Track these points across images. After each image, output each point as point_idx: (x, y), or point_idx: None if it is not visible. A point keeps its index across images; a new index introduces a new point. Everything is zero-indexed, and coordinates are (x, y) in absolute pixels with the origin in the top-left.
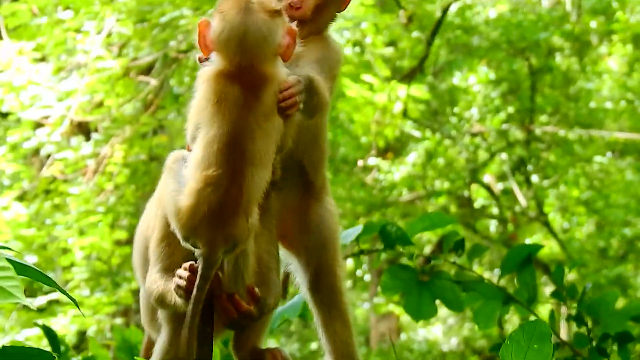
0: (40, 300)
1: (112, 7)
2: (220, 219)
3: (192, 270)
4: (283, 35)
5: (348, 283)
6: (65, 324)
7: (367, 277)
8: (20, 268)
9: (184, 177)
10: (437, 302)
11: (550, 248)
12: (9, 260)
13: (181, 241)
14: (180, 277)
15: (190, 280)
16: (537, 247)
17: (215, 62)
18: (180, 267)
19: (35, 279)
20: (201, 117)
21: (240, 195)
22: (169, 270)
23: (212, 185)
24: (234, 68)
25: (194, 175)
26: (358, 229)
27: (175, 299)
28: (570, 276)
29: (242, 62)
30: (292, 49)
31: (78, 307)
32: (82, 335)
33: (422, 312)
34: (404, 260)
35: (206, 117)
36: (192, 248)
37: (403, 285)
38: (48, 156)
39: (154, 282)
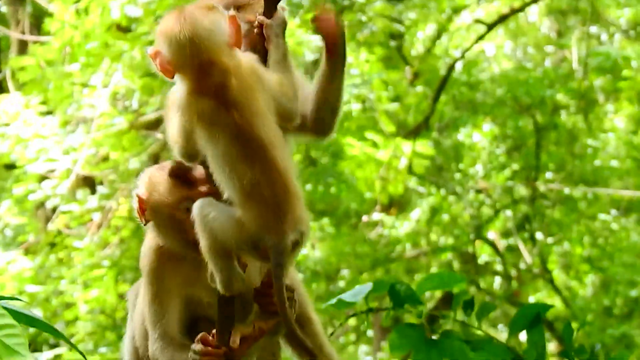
0: (47, 355)
1: (121, 61)
2: (280, 207)
3: (205, 342)
4: (227, 25)
5: (352, 337)
6: None
7: (370, 332)
8: (28, 320)
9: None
10: None
11: (554, 305)
12: (16, 312)
13: (248, 251)
14: (195, 352)
15: (204, 353)
16: (547, 306)
17: (181, 84)
18: (181, 332)
19: (43, 330)
20: (199, 141)
21: (282, 180)
22: (168, 336)
23: (256, 184)
24: (196, 76)
25: (236, 189)
26: (367, 286)
27: None
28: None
29: (201, 62)
30: (240, 34)
31: (85, 358)
32: None
33: None
34: (410, 317)
35: (204, 140)
36: (258, 255)
37: (411, 344)
38: (53, 209)
39: (159, 352)
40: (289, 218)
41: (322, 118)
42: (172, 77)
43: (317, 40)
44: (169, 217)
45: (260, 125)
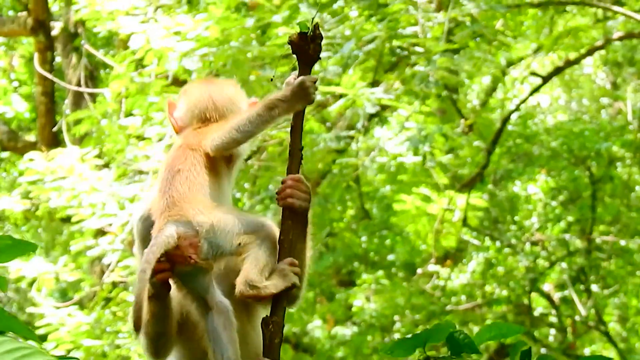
0: None
1: None
2: (167, 207)
3: None
4: (246, 102)
5: None
6: None
7: None
8: None
9: None
10: None
11: (611, 358)
12: None
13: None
14: None
15: None
16: (604, 359)
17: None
18: None
19: None
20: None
21: (178, 191)
22: None
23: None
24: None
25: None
26: (424, 333)
27: None
28: None
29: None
30: None
31: None
32: None
33: None
34: None
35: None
36: None
37: None
38: (109, 265)
39: None
40: (170, 212)
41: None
42: (177, 133)
43: (377, 93)
44: None
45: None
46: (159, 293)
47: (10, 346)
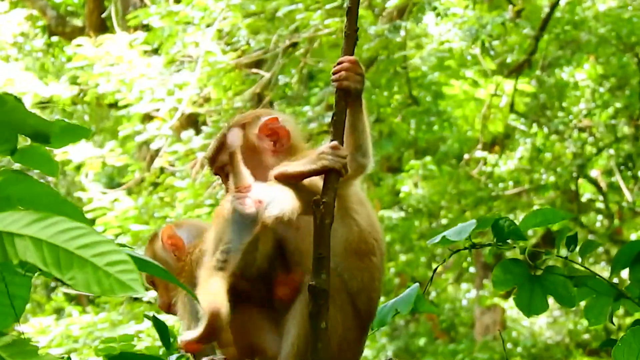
0: (152, 294)
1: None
2: None
3: None
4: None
5: (452, 277)
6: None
7: (472, 270)
8: (141, 263)
9: None
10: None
11: None
12: (129, 255)
13: None
14: None
15: None
16: None
17: None
18: None
19: (155, 274)
20: None
21: None
22: None
23: None
24: None
25: None
26: (471, 224)
27: None
28: None
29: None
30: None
31: (197, 300)
32: None
33: (533, 307)
34: (512, 255)
35: None
36: None
37: (515, 279)
38: (157, 150)
39: None
40: None
41: (353, 161)
42: None
43: None
44: None
45: None
46: None
47: (65, 226)
